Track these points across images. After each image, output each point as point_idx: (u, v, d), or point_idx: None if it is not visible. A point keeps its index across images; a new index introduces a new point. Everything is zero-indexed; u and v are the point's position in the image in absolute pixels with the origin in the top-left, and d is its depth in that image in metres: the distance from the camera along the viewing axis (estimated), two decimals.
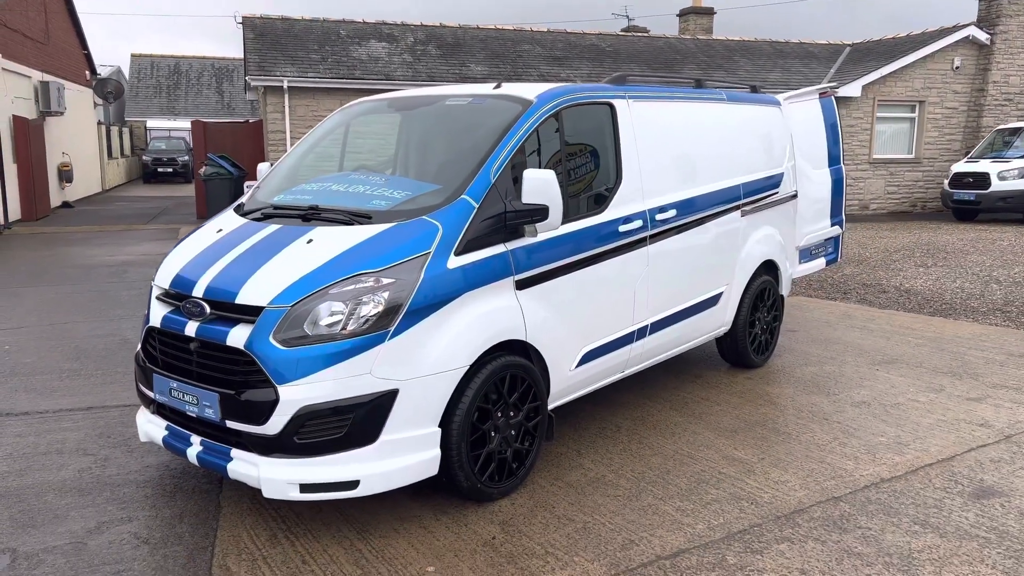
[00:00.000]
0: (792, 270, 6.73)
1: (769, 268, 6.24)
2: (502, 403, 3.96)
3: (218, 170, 16.54)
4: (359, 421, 3.52)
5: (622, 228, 4.67)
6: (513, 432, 4.02)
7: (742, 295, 5.92)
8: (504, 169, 4.05)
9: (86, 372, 6.27)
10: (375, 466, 3.56)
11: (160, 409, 4.01)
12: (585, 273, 4.42)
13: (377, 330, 3.54)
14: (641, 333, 4.95)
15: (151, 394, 4.00)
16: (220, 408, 3.62)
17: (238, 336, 3.59)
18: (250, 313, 3.62)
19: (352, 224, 3.93)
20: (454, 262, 3.78)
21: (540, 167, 4.28)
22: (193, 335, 3.75)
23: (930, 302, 8.76)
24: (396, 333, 3.57)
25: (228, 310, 3.70)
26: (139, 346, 4.18)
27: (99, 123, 27.04)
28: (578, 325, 4.45)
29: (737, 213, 5.76)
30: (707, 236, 5.44)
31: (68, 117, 21.88)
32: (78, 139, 23.37)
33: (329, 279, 3.58)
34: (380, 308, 3.55)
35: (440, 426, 3.72)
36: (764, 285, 6.14)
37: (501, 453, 3.98)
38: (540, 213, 3.95)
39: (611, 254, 4.59)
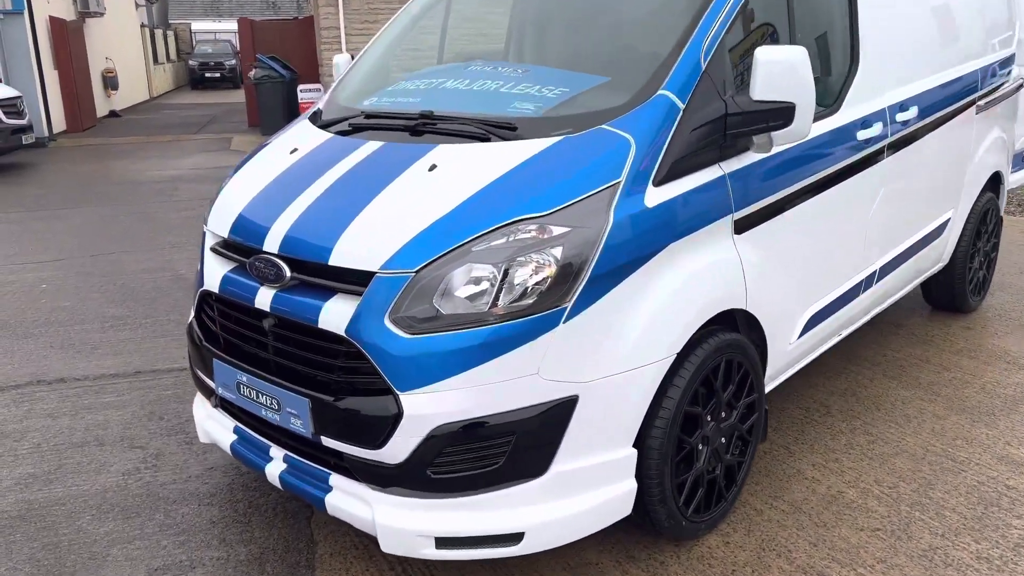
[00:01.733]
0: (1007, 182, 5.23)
1: (994, 183, 4.77)
2: (713, 403, 2.71)
3: (269, 73, 15.16)
4: (522, 445, 2.30)
5: (860, 135, 3.26)
6: (724, 440, 2.78)
7: (966, 220, 4.49)
8: (719, 47, 2.66)
9: (133, 320, 5.19)
10: (545, 510, 2.37)
11: (226, 402, 2.86)
12: (813, 204, 3.05)
13: (545, 308, 2.27)
14: (868, 282, 3.60)
15: (211, 383, 2.85)
16: (312, 419, 2.44)
17: (335, 315, 2.37)
18: (352, 280, 2.39)
19: (489, 139, 2.62)
20: (654, 196, 2.46)
21: (766, 43, 2.85)
22: (267, 309, 2.54)
23: None
24: (574, 312, 2.30)
25: (318, 274, 2.47)
26: (192, 315, 3.00)
27: (142, 26, 25.71)
28: (803, 279, 3.12)
29: (972, 110, 4.26)
30: (942, 143, 3.98)
31: (108, 19, 20.57)
32: (121, 43, 22.13)
33: (470, 229, 2.30)
34: (550, 273, 2.27)
35: (635, 445, 2.49)
36: (988, 205, 4.68)
37: (710, 472, 2.76)
38: (782, 115, 2.57)
39: (844, 174, 3.20)
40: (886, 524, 2.84)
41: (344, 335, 2.34)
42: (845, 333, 3.65)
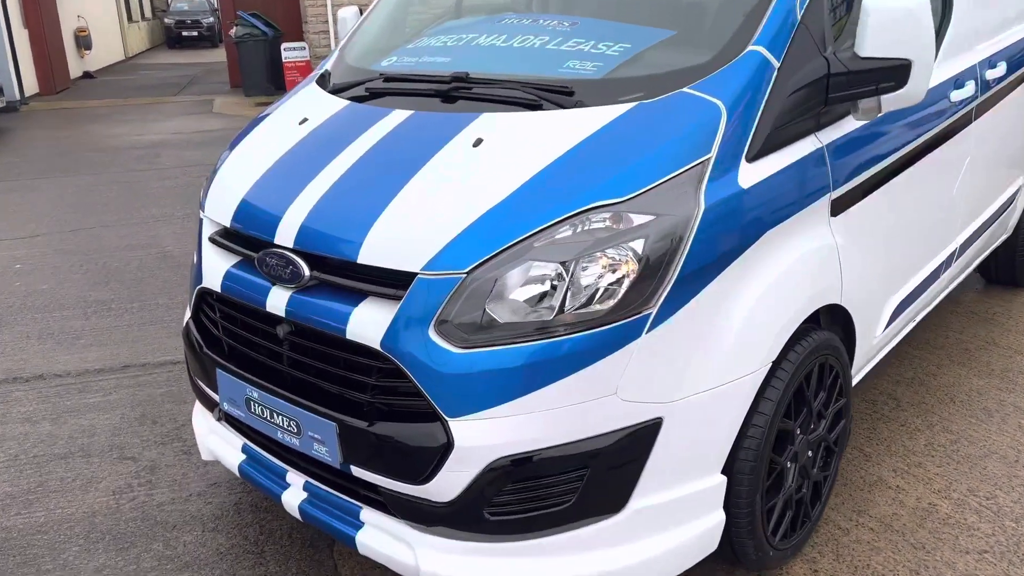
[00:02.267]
0: None
1: None
2: (804, 414, 2.33)
3: (250, 31, 14.43)
4: (597, 479, 1.92)
5: (953, 96, 2.84)
6: (811, 453, 2.41)
7: None
8: None
9: (118, 305, 4.74)
10: (622, 553, 1.99)
11: (232, 417, 2.45)
12: (905, 178, 2.64)
13: (625, 315, 1.86)
14: (949, 260, 3.22)
15: (214, 396, 2.44)
16: (340, 446, 2.04)
17: (367, 323, 1.96)
18: (387, 282, 1.97)
19: (541, 107, 2.18)
20: (748, 174, 2.05)
21: None
22: (281, 313, 2.13)
23: None
24: (660, 318, 1.90)
25: (344, 273, 2.05)
26: (188, 314, 2.57)
27: None
28: (893, 263, 2.72)
29: None
30: (1019, 103, 3.58)
31: None
32: (93, 1, 21.17)
33: (532, 220, 1.88)
34: (630, 272, 1.87)
35: (724, 471, 2.11)
36: None
37: (797, 491, 2.39)
38: (895, 75, 2.14)
39: (936, 142, 2.80)
40: (992, 545, 2.50)
41: (379, 348, 1.93)
42: (920, 317, 3.28)
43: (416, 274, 1.90)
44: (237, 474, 2.47)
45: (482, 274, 1.87)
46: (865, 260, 2.48)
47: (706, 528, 2.08)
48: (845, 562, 2.45)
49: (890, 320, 2.79)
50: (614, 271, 1.86)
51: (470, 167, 2.04)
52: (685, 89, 2.07)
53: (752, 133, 2.05)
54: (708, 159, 1.97)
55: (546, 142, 2.04)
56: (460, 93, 2.36)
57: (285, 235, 2.13)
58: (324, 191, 2.15)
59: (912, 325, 3.20)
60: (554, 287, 1.86)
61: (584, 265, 1.86)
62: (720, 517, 2.11)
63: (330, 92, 2.70)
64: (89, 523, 2.75)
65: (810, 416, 2.33)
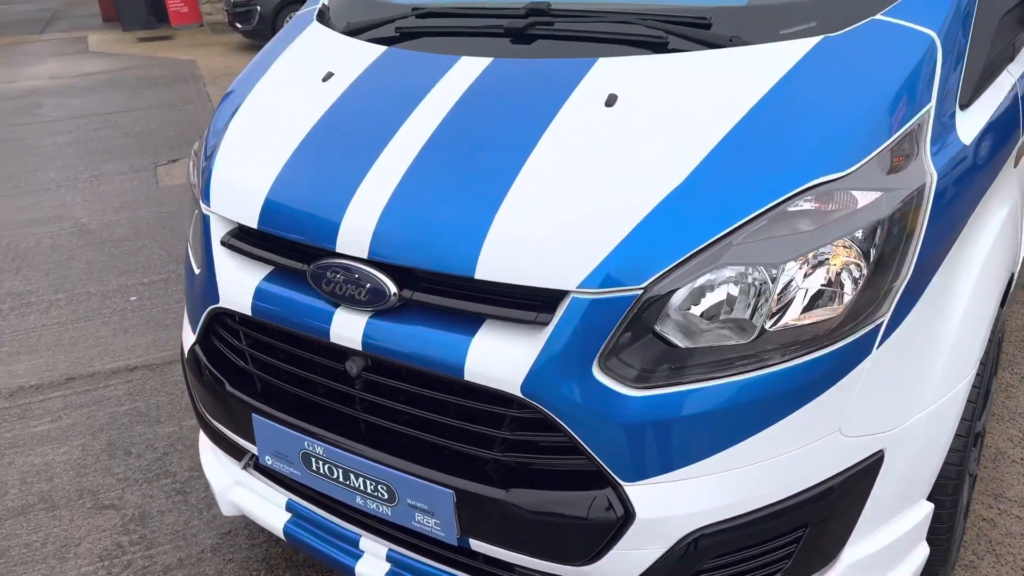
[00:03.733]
0: None
1: None
2: (981, 407, 1.96)
3: None
4: (814, 535, 1.49)
5: None
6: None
7: None
8: None
9: (39, 297, 3.96)
10: None
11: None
12: None
13: (853, 328, 1.41)
14: None
15: (243, 443, 1.87)
16: (458, 519, 1.53)
17: (494, 360, 1.43)
18: (522, 303, 1.44)
19: (667, 48, 1.65)
20: (966, 125, 1.59)
21: None
22: (357, 346, 1.57)
23: None
24: (892, 326, 1.45)
25: (452, 292, 1.50)
26: (192, 338, 1.96)
27: None
28: None
29: None
30: None
31: None
32: None
33: (727, 212, 1.37)
34: (859, 271, 1.40)
35: (930, 498, 1.71)
36: None
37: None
38: None
39: None
40: None
41: (519, 395, 1.42)
42: None
43: (569, 293, 1.38)
44: (282, 537, 1.93)
45: (665, 289, 1.36)
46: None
47: (910, 567, 1.69)
48: (1007, 563, 2.14)
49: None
50: (837, 271, 1.39)
51: (614, 136, 1.50)
52: (879, 16, 1.58)
53: (963, 71, 1.59)
54: (929, 110, 1.50)
55: (712, 98, 1.52)
56: (542, 31, 1.80)
57: (353, 242, 1.55)
58: (398, 179, 1.57)
59: None
60: (763, 299, 1.38)
61: (800, 267, 1.38)
62: (924, 552, 1.72)
63: (349, 33, 2.07)
64: None
65: (986, 406, 1.97)
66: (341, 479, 1.66)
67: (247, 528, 2.39)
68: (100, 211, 5.08)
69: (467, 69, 1.74)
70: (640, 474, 1.40)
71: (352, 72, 1.88)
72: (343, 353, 1.60)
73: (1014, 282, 2.26)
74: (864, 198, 1.41)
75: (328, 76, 1.90)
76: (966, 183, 1.55)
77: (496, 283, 1.43)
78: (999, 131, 1.69)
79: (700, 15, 1.67)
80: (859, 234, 1.40)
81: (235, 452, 1.96)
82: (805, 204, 1.39)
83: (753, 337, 1.38)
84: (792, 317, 1.38)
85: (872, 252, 1.40)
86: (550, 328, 1.39)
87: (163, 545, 2.35)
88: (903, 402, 1.52)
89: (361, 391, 1.62)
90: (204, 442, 2.16)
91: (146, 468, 2.68)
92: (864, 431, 1.47)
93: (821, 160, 1.40)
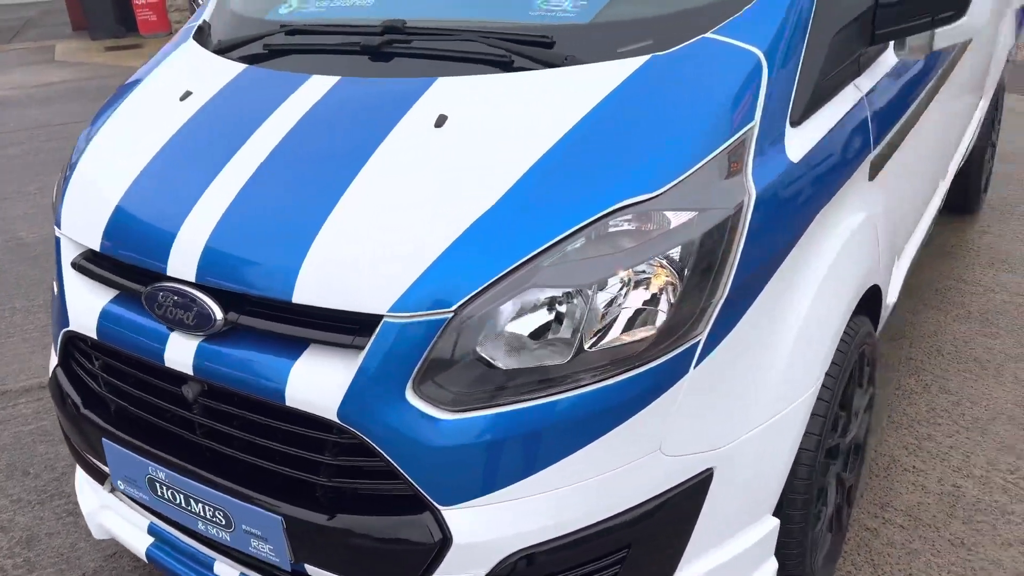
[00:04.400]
0: None
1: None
2: (845, 419, 1.96)
3: None
4: (639, 556, 1.49)
5: None
6: (844, 457, 2.06)
7: (988, 105, 3.85)
8: None
9: None
10: None
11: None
12: (929, 117, 2.26)
13: (668, 347, 1.40)
14: (941, 196, 2.91)
15: (102, 467, 1.86)
16: (290, 544, 1.52)
17: (313, 386, 1.42)
18: (339, 326, 1.43)
19: (512, 64, 1.65)
20: (796, 142, 1.59)
21: None
22: (188, 371, 1.56)
23: None
24: (710, 345, 1.45)
25: (273, 315, 1.50)
26: (53, 361, 1.94)
27: None
28: (909, 221, 2.37)
29: None
30: (1001, 15, 3.27)
31: None
32: None
33: (538, 233, 1.37)
34: (672, 290, 1.40)
35: (776, 512, 1.71)
36: (1001, 84, 4.07)
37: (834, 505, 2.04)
38: (956, 1, 1.70)
39: (946, 73, 2.42)
40: None
41: (336, 420, 1.41)
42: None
43: (382, 317, 1.37)
44: (145, 560, 1.91)
45: (476, 311, 1.36)
46: (891, 222, 2.10)
47: None
48: (884, 574, 2.14)
49: (906, 275, 2.45)
50: (651, 291, 1.39)
51: (437, 158, 1.50)
52: (709, 35, 1.58)
53: (795, 88, 1.59)
54: (752, 128, 1.50)
55: (537, 117, 1.52)
56: (395, 49, 1.79)
57: (182, 264, 1.54)
58: (230, 199, 1.56)
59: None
60: (574, 320, 1.37)
61: (612, 287, 1.38)
62: (772, 567, 1.72)
63: (215, 52, 2.06)
64: None
65: (850, 420, 1.97)
66: (183, 504, 1.65)
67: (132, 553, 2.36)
68: (40, 225, 5.04)
69: (313, 89, 1.74)
70: (457, 498, 1.39)
71: (208, 91, 1.87)
72: (182, 378, 1.59)
73: (891, 292, 2.27)
74: (677, 218, 1.41)
75: (186, 95, 1.89)
76: (795, 200, 1.55)
77: (314, 307, 1.42)
78: (840, 146, 1.69)
79: (543, 34, 1.67)
80: (672, 254, 1.39)
81: (98, 475, 1.95)
82: (618, 224, 1.39)
83: (569, 357, 1.38)
84: (606, 337, 1.38)
85: (685, 271, 1.40)
86: (364, 353, 1.39)
87: (46, 568, 2.32)
88: (732, 420, 1.52)
89: (199, 416, 1.61)
90: (79, 475, 2.14)
91: (41, 489, 2.65)
92: (688, 450, 1.47)
93: (632, 181, 1.40)
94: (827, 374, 1.75)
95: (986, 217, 4.21)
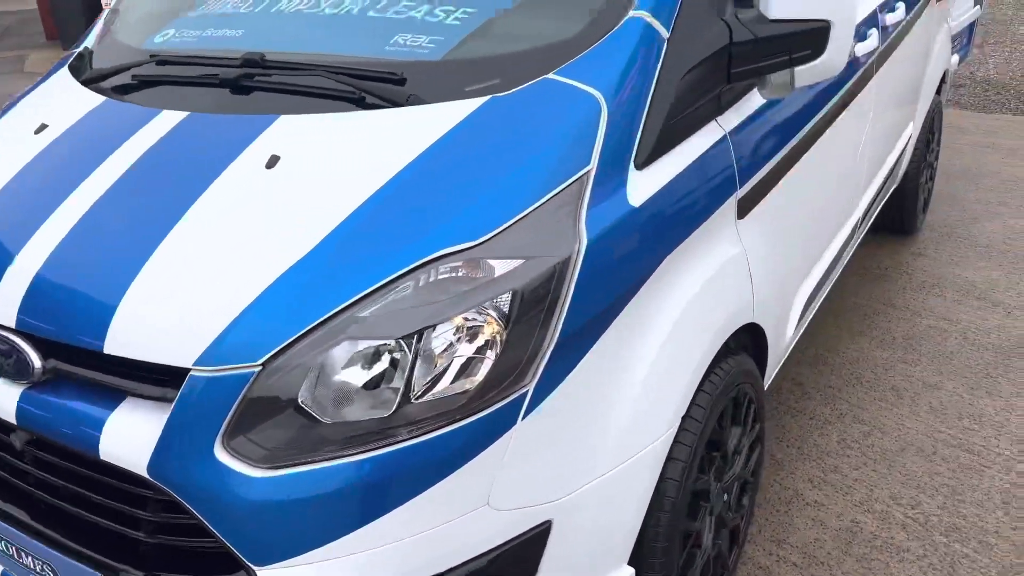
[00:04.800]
0: None
1: (940, 82, 4.13)
2: (719, 460, 1.92)
3: None
4: None
5: (858, 50, 2.43)
6: (727, 497, 2.02)
7: (921, 129, 3.83)
8: None
9: None
10: None
11: None
12: (813, 154, 2.22)
13: (493, 399, 1.36)
14: (855, 230, 2.88)
15: None
16: None
17: (125, 439, 1.38)
18: (149, 377, 1.39)
19: (362, 105, 1.60)
20: (640, 185, 1.55)
21: None
22: (12, 419, 1.51)
23: None
24: (540, 395, 1.40)
25: (90, 364, 1.45)
26: None
27: None
28: (802, 255, 2.34)
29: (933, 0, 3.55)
30: (915, 43, 3.25)
31: None
32: None
33: (352, 281, 1.33)
34: (495, 341, 1.35)
35: (632, 562, 1.67)
36: (935, 109, 4.06)
37: (714, 547, 2.00)
38: (811, 41, 1.67)
39: (842, 105, 2.39)
40: (927, 569, 2.21)
41: (147, 476, 1.36)
42: (824, 295, 2.94)
43: (188, 371, 1.33)
44: None
45: (286, 364, 1.31)
46: (775, 260, 2.07)
47: None
48: None
49: (802, 312, 2.42)
50: (474, 341, 1.35)
51: (264, 201, 1.45)
52: (551, 75, 1.54)
53: (641, 131, 1.55)
54: (588, 173, 1.46)
55: (369, 159, 1.48)
56: (255, 83, 1.75)
57: (4, 311, 1.49)
58: (56, 243, 1.51)
59: (818, 305, 2.86)
60: (393, 372, 1.33)
61: (432, 338, 1.33)
62: None
63: (86, 81, 2.01)
64: None
65: (726, 462, 1.93)
66: (15, 556, 1.60)
67: None
68: None
69: (160, 125, 1.69)
70: (272, 557, 1.34)
71: (63, 125, 1.83)
72: (8, 427, 1.54)
73: (786, 329, 2.24)
74: (502, 266, 1.36)
75: (41, 128, 1.85)
76: (637, 245, 1.50)
77: (124, 359, 1.38)
78: (695, 186, 1.65)
79: (393, 71, 1.63)
80: (496, 303, 1.35)
81: None
82: (443, 272, 1.35)
83: (391, 411, 1.33)
84: (429, 389, 1.33)
85: (510, 321, 1.35)
86: (171, 407, 1.34)
87: None
88: (571, 470, 1.47)
89: (29, 466, 1.56)
90: None
91: None
92: (521, 503, 1.42)
93: (455, 228, 1.36)
94: (690, 416, 1.71)
95: (924, 239, 4.19)
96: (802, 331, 2.64)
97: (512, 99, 1.52)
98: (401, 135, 1.49)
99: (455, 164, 1.43)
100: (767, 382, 2.36)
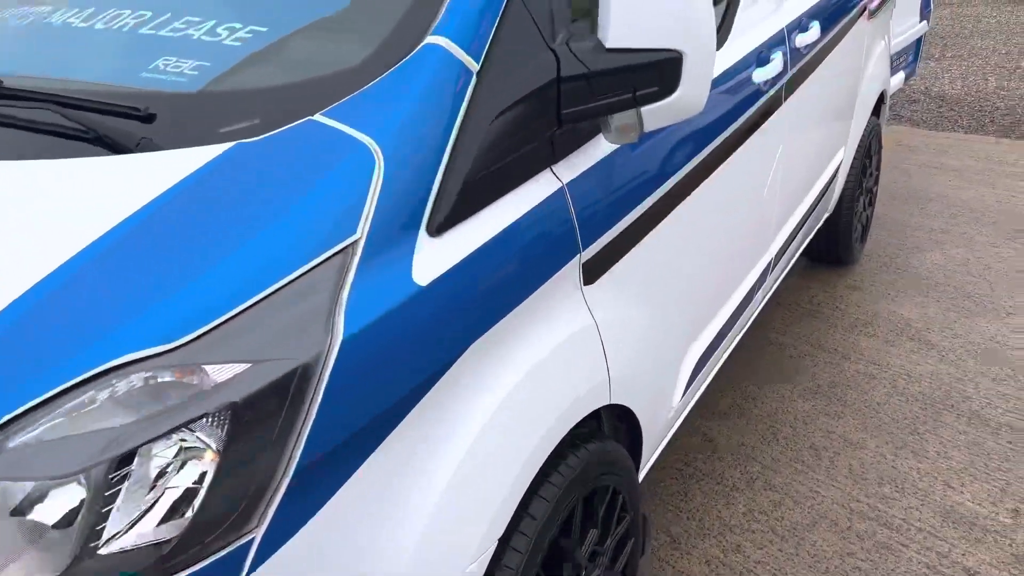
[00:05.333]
0: None
1: (878, 103, 3.86)
2: (569, 567, 1.60)
3: None
4: None
5: (757, 76, 2.14)
6: None
7: (855, 154, 3.56)
8: None
9: None
10: None
11: None
12: (696, 200, 1.91)
13: (205, 550, 1.03)
14: (765, 274, 2.59)
15: None
16: None
17: None
18: None
19: (101, 143, 1.27)
20: (432, 259, 1.22)
21: None
22: None
23: (1006, 115, 6.59)
24: (274, 543, 1.07)
25: None
26: None
27: None
28: (686, 313, 2.03)
29: (864, 16, 3.27)
30: (838, 65, 2.96)
31: None
32: None
33: (6, 403, 1.00)
34: (205, 474, 1.02)
35: None
36: (872, 133, 3.79)
37: None
38: (659, 75, 1.35)
39: (736, 142, 2.09)
40: None
41: None
42: (731, 350, 2.64)
43: None
44: None
45: None
46: (644, 328, 1.75)
47: None
48: None
49: (690, 380, 2.11)
50: (177, 477, 1.02)
51: None
52: (316, 117, 1.22)
53: (437, 188, 1.22)
54: (353, 244, 1.13)
55: (53, 230, 1.14)
56: None
57: None
58: None
59: (720, 363, 2.56)
60: (68, 517, 1.00)
61: (116, 473, 1.00)
62: None
63: None
64: None
65: (582, 567, 1.62)
66: None
67: None
68: None
69: None
70: None
71: None
72: None
73: (672, 400, 1.93)
74: (218, 373, 1.03)
75: None
76: (415, 337, 1.18)
77: None
78: (516, 253, 1.33)
79: (139, 107, 1.29)
80: (205, 424, 1.02)
81: None
82: (135, 379, 1.02)
83: (64, 566, 1.00)
84: (112, 539, 1.00)
85: (223, 448, 1.03)
86: None
87: None
88: None
89: None
90: None
91: None
92: None
93: (152, 323, 1.03)
94: (519, 532, 1.39)
95: (860, 270, 3.92)
96: (699, 394, 2.34)
97: (260, 147, 1.19)
98: (106, 196, 1.16)
99: (167, 236, 1.10)
100: (647, 464, 2.04)
